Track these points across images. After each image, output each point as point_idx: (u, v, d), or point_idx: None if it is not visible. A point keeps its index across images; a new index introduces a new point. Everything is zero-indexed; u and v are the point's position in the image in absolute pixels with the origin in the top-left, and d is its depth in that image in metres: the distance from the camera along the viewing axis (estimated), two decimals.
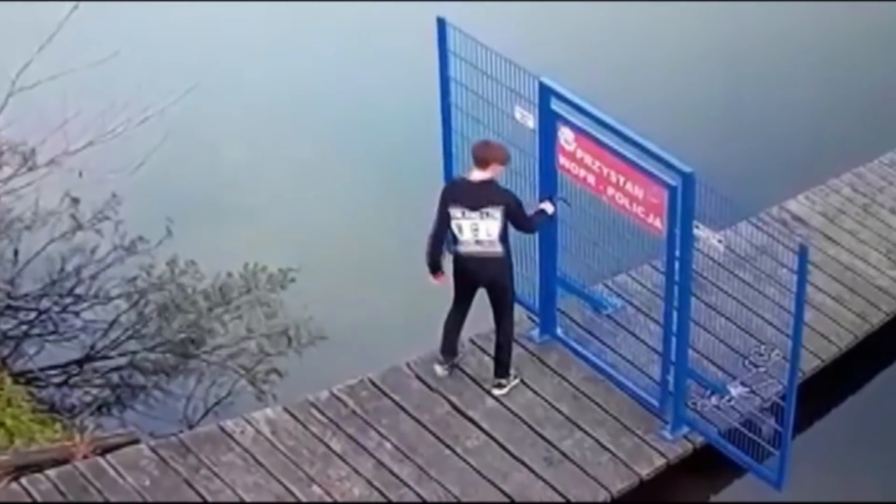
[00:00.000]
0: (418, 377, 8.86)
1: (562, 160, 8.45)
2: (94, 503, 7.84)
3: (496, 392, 8.77)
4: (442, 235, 8.42)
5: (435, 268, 8.49)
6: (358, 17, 12.60)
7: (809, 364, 9.09)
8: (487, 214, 8.28)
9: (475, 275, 8.46)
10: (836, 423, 9.43)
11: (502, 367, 8.77)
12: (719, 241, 8.02)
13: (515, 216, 8.41)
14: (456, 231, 8.37)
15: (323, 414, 8.59)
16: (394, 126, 11.45)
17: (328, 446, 8.40)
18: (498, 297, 8.57)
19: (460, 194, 8.34)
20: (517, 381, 8.83)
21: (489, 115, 8.55)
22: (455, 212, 8.32)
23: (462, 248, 8.41)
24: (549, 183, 8.58)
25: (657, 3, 12.79)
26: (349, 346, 9.33)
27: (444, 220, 8.38)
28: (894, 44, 12.56)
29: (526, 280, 8.97)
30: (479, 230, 8.31)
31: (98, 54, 8.72)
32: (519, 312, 9.06)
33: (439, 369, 8.84)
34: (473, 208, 8.27)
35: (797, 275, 7.81)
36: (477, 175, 8.35)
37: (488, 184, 8.30)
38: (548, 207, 8.57)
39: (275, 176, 11.11)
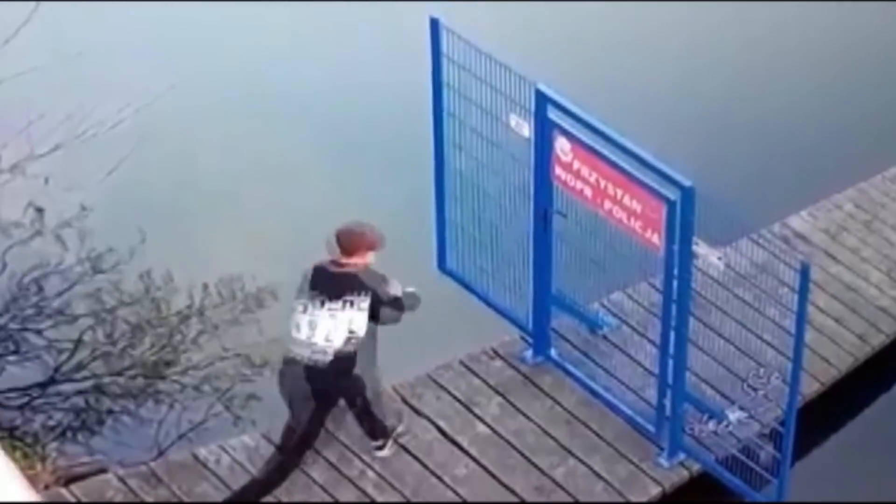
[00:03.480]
0: (404, 401, 8.55)
1: (558, 171, 8.15)
2: None
3: (380, 454, 8.15)
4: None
5: None
6: (345, 16, 12.28)
7: (809, 388, 8.87)
8: (351, 304, 7.53)
9: (322, 381, 7.64)
10: (836, 449, 9.20)
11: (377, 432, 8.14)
12: (719, 259, 7.78)
13: (382, 295, 7.61)
14: (305, 329, 7.57)
15: None
16: (381, 131, 11.14)
17: (308, 475, 8.07)
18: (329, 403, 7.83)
19: (322, 280, 7.58)
20: (400, 429, 8.24)
21: (483, 122, 8.22)
22: (312, 300, 7.56)
23: (303, 354, 7.61)
24: (544, 195, 8.26)
25: (658, 11, 12.55)
26: None
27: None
28: None
29: (519, 298, 8.69)
30: (337, 323, 7.51)
31: (65, 52, 8.36)
32: (512, 332, 8.85)
33: (378, 453, 8.08)
34: (333, 297, 7.53)
35: (798, 294, 7.58)
36: (344, 263, 7.62)
37: (357, 273, 7.59)
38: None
39: (254, 183, 10.77)
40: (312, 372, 7.65)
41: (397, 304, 7.76)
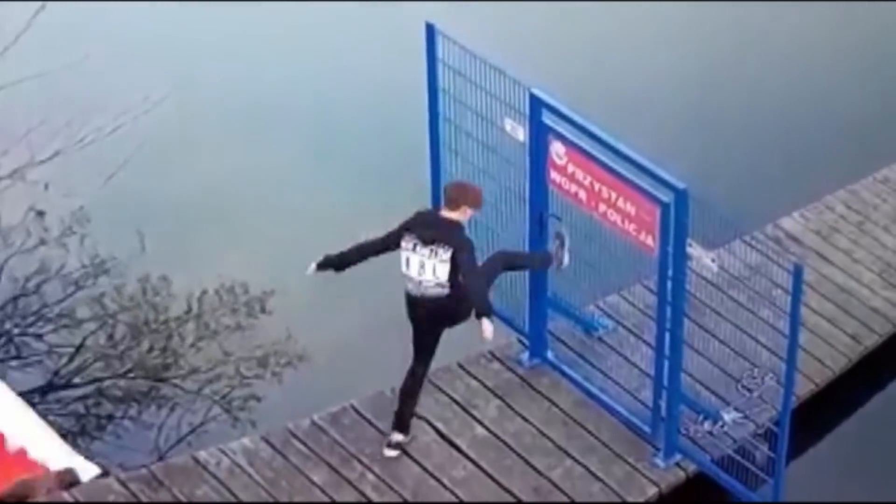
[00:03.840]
0: None
1: (553, 175, 8.19)
2: None
3: (390, 453, 8.21)
4: (372, 247, 8.01)
5: (327, 264, 8.00)
6: (342, 22, 12.32)
7: (803, 388, 8.88)
8: (435, 254, 7.86)
9: (417, 314, 8.02)
10: (830, 449, 9.23)
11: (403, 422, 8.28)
12: (713, 261, 7.80)
13: (461, 261, 7.86)
14: (403, 265, 7.95)
15: (303, 443, 8.26)
16: (379, 136, 11.17)
17: (308, 478, 8.08)
18: (428, 337, 8.14)
19: (420, 224, 7.98)
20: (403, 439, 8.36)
21: (478, 127, 8.27)
22: (407, 242, 7.93)
23: (408, 286, 7.98)
24: (539, 198, 8.31)
25: (652, 15, 12.64)
26: (331, 369, 9.00)
27: (387, 241, 7.99)
28: (889, 58, 12.45)
29: (515, 301, 8.69)
30: (426, 268, 7.88)
31: (66, 58, 8.37)
32: (508, 335, 8.85)
33: (390, 452, 8.26)
34: (425, 243, 7.90)
35: (791, 296, 7.60)
36: (446, 213, 8.01)
37: (452, 224, 7.92)
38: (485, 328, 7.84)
39: (254, 188, 10.78)
40: (412, 302, 8.01)
41: (475, 277, 7.84)
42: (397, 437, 8.26)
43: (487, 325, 7.72)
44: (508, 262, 8.34)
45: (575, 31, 12.43)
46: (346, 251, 7.99)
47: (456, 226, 7.97)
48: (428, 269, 7.91)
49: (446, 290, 7.94)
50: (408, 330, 8.03)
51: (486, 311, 7.82)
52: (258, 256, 10.05)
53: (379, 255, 7.99)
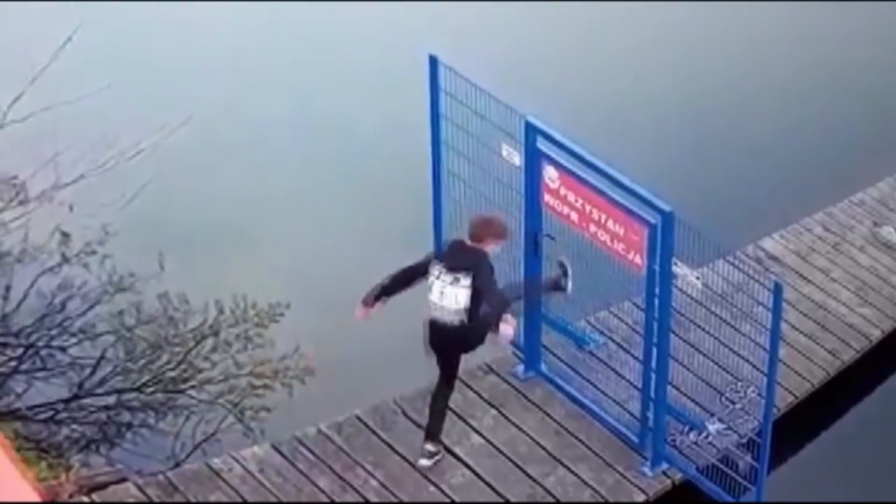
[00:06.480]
0: (405, 413, 8.87)
1: (546, 197, 8.55)
2: None
3: (423, 462, 8.48)
4: (413, 273, 8.20)
5: (373, 297, 8.21)
6: (351, 51, 12.72)
7: (784, 400, 9.23)
8: (458, 281, 8.12)
9: (437, 340, 8.28)
10: (810, 458, 9.58)
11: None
12: (697, 279, 8.14)
13: (480, 282, 8.07)
14: (428, 291, 8.20)
15: (310, 451, 8.57)
16: (385, 159, 11.51)
17: (315, 484, 8.38)
18: (449, 364, 8.45)
19: (448, 252, 8.25)
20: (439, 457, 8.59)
21: (477, 152, 8.63)
22: (433, 269, 8.19)
23: (430, 313, 8.23)
24: (534, 219, 8.67)
25: (639, 47, 13.06)
26: (337, 381, 9.28)
27: (419, 268, 8.23)
28: (864, 85, 12.85)
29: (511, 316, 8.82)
30: (446, 294, 8.12)
31: (91, 87, 8.67)
32: (505, 349, 9.06)
33: (423, 462, 8.56)
34: (449, 270, 8.16)
35: (772, 313, 7.93)
36: (470, 243, 8.26)
37: (475, 252, 8.16)
38: (505, 331, 8.10)
39: (266, 209, 11.10)
40: (432, 328, 8.22)
41: (493, 297, 8.08)
42: (429, 447, 8.53)
43: (506, 328, 7.96)
44: (524, 288, 8.64)
45: (569, 61, 12.77)
46: (393, 279, 8.20)
47: (479, 253, 8.18)
48: (448, 295, 8.13)
49: (462, 318, 8.13)
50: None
51: (507, 311, 8.01)
52: (270, 274, 10.30)
53: (418, 280, 8.15)
